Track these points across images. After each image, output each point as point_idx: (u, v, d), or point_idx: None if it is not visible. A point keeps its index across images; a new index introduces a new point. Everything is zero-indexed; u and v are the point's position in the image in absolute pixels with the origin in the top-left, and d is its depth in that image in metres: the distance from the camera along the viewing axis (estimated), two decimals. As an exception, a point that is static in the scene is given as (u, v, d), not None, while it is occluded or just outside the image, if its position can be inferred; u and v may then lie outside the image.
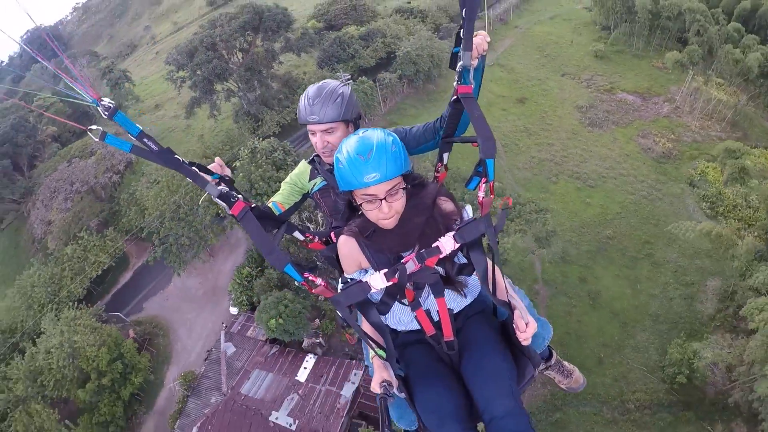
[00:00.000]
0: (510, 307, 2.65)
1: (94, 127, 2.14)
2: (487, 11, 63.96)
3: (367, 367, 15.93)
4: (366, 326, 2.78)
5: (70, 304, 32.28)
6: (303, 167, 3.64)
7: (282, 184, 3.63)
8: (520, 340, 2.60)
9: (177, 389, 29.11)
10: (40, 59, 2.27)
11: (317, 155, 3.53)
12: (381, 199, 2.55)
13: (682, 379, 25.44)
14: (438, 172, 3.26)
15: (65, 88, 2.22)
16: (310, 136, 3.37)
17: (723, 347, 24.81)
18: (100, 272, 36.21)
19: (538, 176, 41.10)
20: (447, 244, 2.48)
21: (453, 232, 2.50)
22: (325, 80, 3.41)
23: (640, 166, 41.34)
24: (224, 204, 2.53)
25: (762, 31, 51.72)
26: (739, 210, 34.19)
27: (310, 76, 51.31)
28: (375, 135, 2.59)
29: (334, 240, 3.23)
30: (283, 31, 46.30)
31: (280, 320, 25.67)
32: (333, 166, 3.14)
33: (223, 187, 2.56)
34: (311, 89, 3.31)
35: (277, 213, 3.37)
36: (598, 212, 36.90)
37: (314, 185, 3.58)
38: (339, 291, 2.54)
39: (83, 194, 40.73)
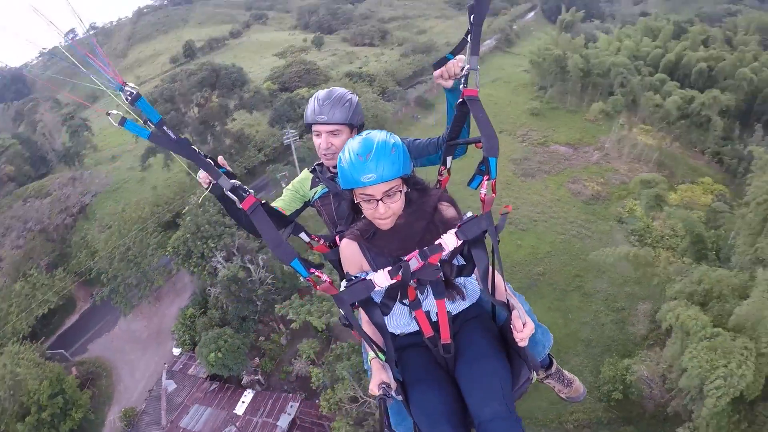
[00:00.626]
0: (508, 307, 2.65)
1: (114, 111, 2.14)
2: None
3: (324, 388, 16.86)
4: (366, 327, 2.81)
5: (14, 339, 32.44)
6: (305, 175, 3.73)
7: (284, 191, 3.69)
8: (516, 340, 2.58)
9: (117, 425, 29.39)
10: (71, 43, 2.30)
11: (319, 164, 3.64)
12: (378, 200, 2.63)
13: (618, 395, 25.62)
14: (441, 175, 3.31)
15: (89, 72, 2.24)
16: (315, 138, 3.47)
17: (653, 360, 25.59)
18: (46, 311, 36.32)
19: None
20: (449, 240, 2.57)
21: (455, 229, 2.60)
22: (334, 87, 3.58)
23: (570, 209, 43.13)
24: (235, 197, 2.56)
25: (686, 79, 55.94)
26: (667, 239, 35.89)
27: (261, 134, 53.86)
28: (377, 136, 2.68)
29: (339, 244, 3.22)
30: (237, 89, 48.79)
31: (219, 354, 26.57)
32: (335, 172, 3.34)
33: (235, 181, 2.59)
34: (321, 92, 3.45)
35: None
36: (529, 252, 38.24)
37: (315, 193, 3.64)
38: (343, 288, 2.58)
39: (36, 233, 41.09)
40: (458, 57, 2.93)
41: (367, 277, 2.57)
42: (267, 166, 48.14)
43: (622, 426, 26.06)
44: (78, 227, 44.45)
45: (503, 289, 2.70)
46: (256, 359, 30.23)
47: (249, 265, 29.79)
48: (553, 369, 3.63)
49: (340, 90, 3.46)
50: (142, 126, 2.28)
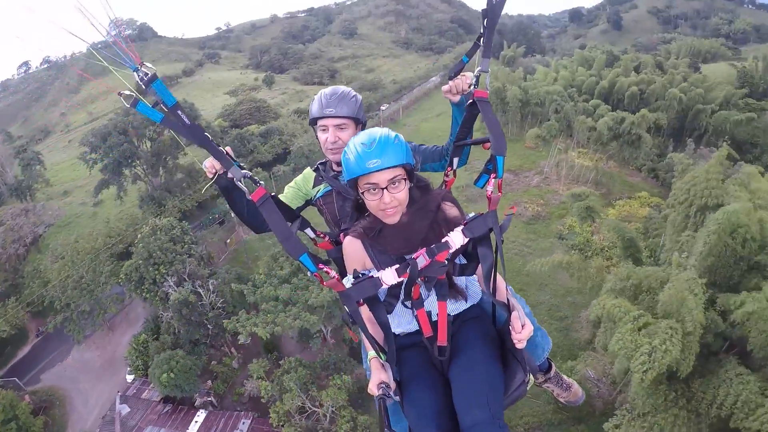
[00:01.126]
0: (508, 308, 2.67)
1: (127, 91, 2.13)
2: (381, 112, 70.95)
3: (273, 401, 18.83)
4: (368, 326, 2.78)
5: (-34, 369, 32.34)
6: (308, 173, 3.75)
7: (286, 188, 3.69)
8: (514, 341, 2.57)
9: None
10: (92, 24, 2.11)
11: (322, 163, 3.68)
12: (382, 189, 2.65)
13: (549, 396, 26.66)
14: (447, 176, 3.34)
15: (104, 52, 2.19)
16: (320, 133, 3.47)
17: (598, 360, 26.39)
18: (-1, 340, 36.26)
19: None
20: (456, 238, 2.58)
21: (461, 227, 2.61)
22: (339, 86, 3.62)
23: (511, 229, 44.09)
24: (245, 188, 2.58)
25: (620, 103, 59.95)
26: (606, 251, 37.19)
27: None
28: (380, 130, 2.73)
29: (343, 241, 3.20)
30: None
31: (172, 375, 27.33)
32: (339, 170, 3.47)
33: (246, 171, 2.60)
34: (326, 90, 3.50)
35: None
36: (473, 272, 39.74)
37: (318, 191, 3.66)
38: (351, 285, 2.56)
39: (-12, 263, 40.94)
40: (466, 74, 3.10)
41: (375, 275, 2.57)
42: (218, 199, 49.38)
43: (573, 425, 26.78)
44: (30, 258, 44.59)
45: (504, 290, 2.77)
46: (209, 382, 30.98)
47: (200, 290, 30.80)
48: (552, 373, 3.68)
49: (344, 87, 3.56)
50: (154, 109, 2.26)
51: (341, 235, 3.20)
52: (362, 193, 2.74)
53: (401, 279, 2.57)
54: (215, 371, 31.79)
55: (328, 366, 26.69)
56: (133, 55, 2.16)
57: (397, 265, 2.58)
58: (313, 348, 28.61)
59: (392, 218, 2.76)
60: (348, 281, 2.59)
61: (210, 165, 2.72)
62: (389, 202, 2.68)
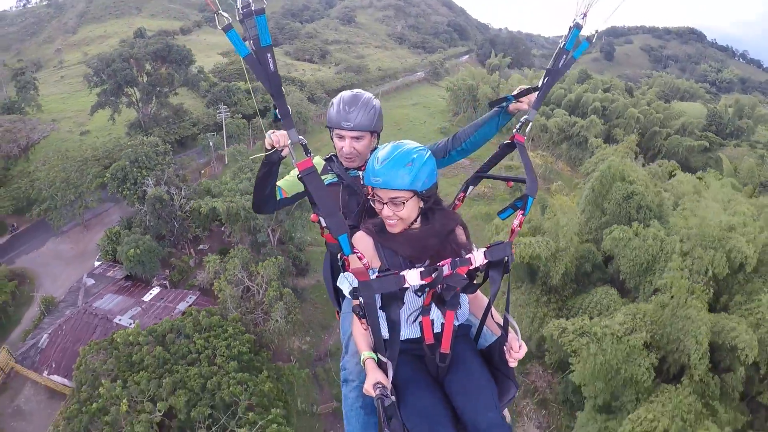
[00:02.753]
0: (506, 328, 2.80)
1: (225, 14, 2.01)
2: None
3: (217, 275, 29.68)
4: (358, 327, 2.88)
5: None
6: (317, 161, 3.65)
7: (291, 172, 3.54)
8: (508, 361, 2.74)
9: (37, 306, 34.43)
10: None
11: (335, 155, 3.71)
12: (383, 203, 2.76)
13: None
14: (459, 201, 3.45)
15: None
16: (337, 140, 3.53)
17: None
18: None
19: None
20: (478, 257, 2.69)
21: (484, 249, 2.74)
22: (358, 90, 3.67)
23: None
24: (293, 155, 2.63)
25: (584, 115, 65.68)
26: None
27: (197, 113, 61.57)
28: (404, 147, 2.78)
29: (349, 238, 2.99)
30: (184, 65, 56.26)
31: (138, 251, 33.33)
32: (350, 168, 3.61)
33: (302, 138, 2.58)
34: (347, 95, 3.54)
35: (278, 197, 3.46)
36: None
37: (324, 180, 3.31)
38: (374, 278, 2.56)
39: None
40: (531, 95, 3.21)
41: (400, 273, 2.57)
42: (198, 136, 55.45)
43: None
44: (20, 163, 49.75)
45: (496, 313, 3.00)
46: (167, 271, 36.90)
47: (173, 191, 36.77)
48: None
49: (365, 95, 3.56)
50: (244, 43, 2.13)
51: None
52: (368, 197, 2.87)
53: (422, 282, 2.60)
54: (174, 264, 37.60)
55: (267, 252, 32.79)
56: None
57: (423, 269, 2.61)
58: (260, 240, 34.80)
59: (393, 229, 2.85)
60: (372, 273, 2.63)
61: (276, 139, 2.76)
62: (387, 215, 2.79)
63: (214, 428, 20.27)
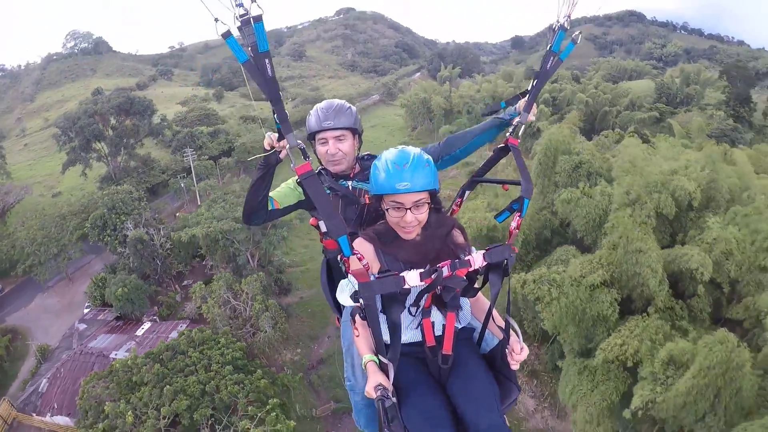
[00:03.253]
0: (507, 331, 2.84)
1: (222, 23, 2.01)
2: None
3: (204, 300, 32.11)
4: (365, 331, 2.86)
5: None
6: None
7: (281, 185, 3.65)
8: (510, 363, 2.79)
9: (33, 356, 35.37)
10: None
11: (323, 168, 3.62)
12: (407, 209, 2.73)
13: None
14: (456, 206, 3.51)
15: None
16: (320, 146, 3.50)
17: None
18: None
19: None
20: (477, 260, 2.72)
21: (483, 251, 2.75)
22: (333, 99, 3.71)
23: None
24: (292, 159, 2.64)
25: (537, 107, 70.03)
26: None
27: (166, 161, 63.76)
28: (413, 150, 2.82)
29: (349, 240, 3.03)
30: (147, 115, 58.63)
31: (126, 289, 34.98)
32: (338, 176, 3.58)
33: (300, 142, 2.64)
34: (322, 104, 3.54)
35: (270, 208, 3.42)
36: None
37: None
38: (374, 279, 2.59)
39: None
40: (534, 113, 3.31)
41: (400, 274, 2.60)
42: (169, 181, 57.55)
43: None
44: (-2, 227, 50.88)
45: (498, 316, 3.00)
46: (155, 307, 38.50)
47: (152, 231, 38.64)
48: None
49: (338, 100, 3.61)
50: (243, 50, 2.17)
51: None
52: (386, 209, 2.82)
53: (422, 283, 2.63)
54: (161, 300, 39.22)
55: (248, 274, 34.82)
56: None
57: (422, 270, 2.63)
58: (239, 262, 36.73)
59: (410, 235, 2.87)
60: (371, 275, 2.63)
61: (276, 138, 2.82)
62: (410, 221, 2.77)
63: (218, 428, 21.97)
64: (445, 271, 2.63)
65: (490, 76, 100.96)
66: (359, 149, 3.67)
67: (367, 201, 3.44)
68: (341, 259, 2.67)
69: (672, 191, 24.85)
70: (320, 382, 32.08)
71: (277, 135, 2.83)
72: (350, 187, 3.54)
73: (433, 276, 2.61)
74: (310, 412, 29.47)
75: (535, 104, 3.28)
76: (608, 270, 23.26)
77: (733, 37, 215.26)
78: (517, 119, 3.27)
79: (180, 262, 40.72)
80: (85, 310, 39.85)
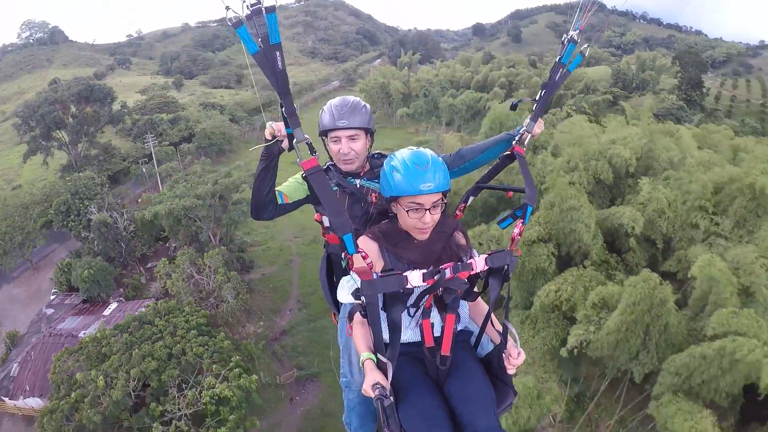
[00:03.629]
0: (505, 335, 2.87)
1: (233, 12, 2.02)
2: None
3: (168, 276, 34.02)
4: (363, 329, 2.89)
5: None
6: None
7: (289, 179, 3.61)
8: (507, 368, 2.82)
9: (2, 344, 35.94)
10: None
11: (332, 164, 3.65)
12: (426, 209, 2.75)
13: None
14: (460, 211, 3.46)
15: None
16: (333, 144, 3.49)
17: None
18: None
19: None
20: (479, 263, 2.76)
21: (485, 255, 2.79)
22: (345, 96, 3.67)
23: None
24: (299, 154, 2.54)
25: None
26: None
27: (126, 148, 64.64)
28: (428, 151, 2.86)
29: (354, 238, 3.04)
30: (107, 103, 59.37)
31: (92, 271, 36.13)
32: (346, 174, 3.57)
33: (308, 137, 2.57)
34: (336, 101, 3.52)
35: (279, 202, 3.39)
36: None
37: None
38: (377, 277, 2.61)
39: None
40: (541, 121, 3.35)
41: (403, 273, 2.63)
42: (130, 168, 58.54)
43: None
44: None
45: (496, 321, 3.05)
46: (121, 289, 39.67)
47: (116, 215, 39.81)
48: None
49: (352, 97, 3.58)
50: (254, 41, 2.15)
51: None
52: (406, 210, 2.79)
53: (424, 284, 2.65)
54: (127, 282, 40.45)
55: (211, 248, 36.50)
56: None
57: (425, 270, 2.65)
58: (202, 239, 38.40)
59: (425, 236, 2.89)
60: (374, 274, 2.64)
61: (278, 128, 2.81)
62: (429, 222, 2.80)
63: (185, 387, 23.58)
64: (448, 273, 2.68)
65: (449, 61, 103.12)
66: (371, 147, 3.68)
67: (374, 200, 3.47)
68: (345, 256, 2.64)
69: (609, 158, 27.18)
70: (283, 352, 33.89)
71: (279, 125, 2.85)
72: (358, 185, 3.55)
73: (435, 277, 2.66)
74: (274, 379, 31.28)
75: (541, 122, 3.34)
76: (545, 228, 25.14)
77: (691, 27, 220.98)
78: (524, 129, 3.30)
79: (144, 244, 42.06)
80: (52, 296, 40.61)
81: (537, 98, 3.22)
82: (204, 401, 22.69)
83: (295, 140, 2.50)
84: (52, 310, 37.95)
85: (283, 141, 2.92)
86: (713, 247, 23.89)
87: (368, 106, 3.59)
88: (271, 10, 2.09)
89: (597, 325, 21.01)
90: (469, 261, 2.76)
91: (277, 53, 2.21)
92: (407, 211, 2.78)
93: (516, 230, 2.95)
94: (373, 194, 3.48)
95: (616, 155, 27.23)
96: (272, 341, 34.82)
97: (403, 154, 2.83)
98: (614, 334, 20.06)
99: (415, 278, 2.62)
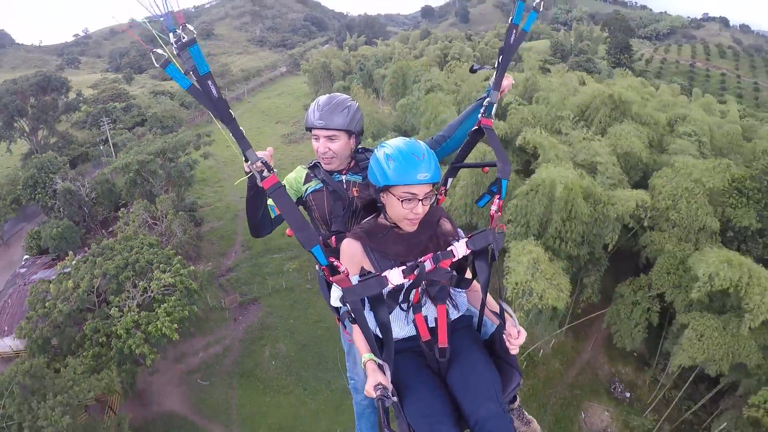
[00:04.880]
0: (503, 315, 2.89)
1: (159, 51, 2.08)
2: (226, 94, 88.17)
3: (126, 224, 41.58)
4: (363, 329, 2.87)
5: None
6: (299, 171, 3.82)
7: None
8: (509, 348, 2.82)
9: None
10: None
11: (318, 161, 3.72)
12: (419, 200, 2.79)
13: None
14: (441, 194, 3.38)
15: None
16: (313, 141, 3.59)
17: None
18: None
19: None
20: (460, 248, 2.83)
21: (466, 239, 2.86)
22: (335, 93, 3.69)
23: None
24: (258, 175, 2.56)
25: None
26: None
27: (83, 136, 71.24)
28: (419, 142, 2.92)
29: (334, 245, 3.38)
30: (64, 92, 67.09)
31: (59, 229, 43.03)
32: (335, 172, 3.63)
33: (262, 156, 2.58)
34: (323, 98, 3.58)
35: (272, 215, 3.43)
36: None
37: (308, 188, 3.72)
38: (357, 282, 2.66)
39: None
40: (509, 76, 3.27)
41: (382, 274, 2.69)
42: (88, 151, 65.69)
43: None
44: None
45: (492, 301, 3.08)
46: (86, 248, 46.06)
47: (78, 184, 47.08)
48: (516, 405, 3.62)
49: (340, 96, 3.61)
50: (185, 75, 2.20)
51: (333, 238, 3.41)
52: (400, 200, 2.79)
53: (406, 280, 2.73)
54: (90, 243, 45.95)
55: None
56: (178, 15, 2.10)
57: (404, 267, 2.73)
58: (155, 194, 45.67)
59: (413, 227, 2.92)
60: (354, 279, 2.72)
61: (255, 166, 2.59)
62: (421, 213, 2.83)
63: (138, 282, 30.56)
64: (428, 265, 2.76)
65: (390, 40, 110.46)
66: (356, 147, 3.72)
67: (355, 194, 3.53)
68: (319, 267, 2.75)
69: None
70: (228, 284, 41.86)
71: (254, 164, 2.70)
72: (343, 182, 3.61)
73: (415, 272, 2.73)
74: (219, 303, 39.02)
75: (510, 76, 3.28)
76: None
77: (636, 2, 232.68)
78: (487, 99, 3.26)
79: (105, 209, 49.21)
80: (23, 261, 46.07)
81: (496, 65, 3.17)
82: (152, 289, 29.83)
83: (248, 162, 2.51)
84: (25, 269, 43.66)
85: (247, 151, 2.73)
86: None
87: (355, 105, 3.64)
88: (192, 42, 2.14)
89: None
90: (449, 248, 2.85)
91: (209, 82, 2.26)
92: (401, 201, 2.79)
93: (494, 207, 2.99)
94: (354, 189, 3.54)
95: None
96: (219, 277, 42.49)
97: (397, 143, 2.86)
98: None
99: (395, 277, 2.72)
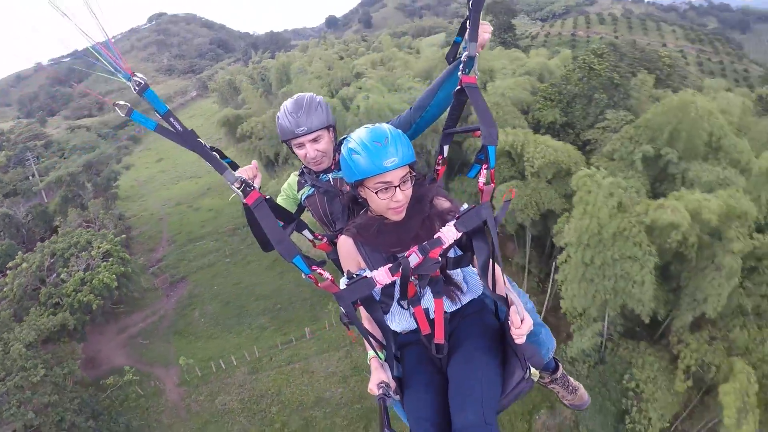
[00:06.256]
0: (507, 302, 2.67)
1: (121, 102, 2.20)
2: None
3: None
4: (367, 325, 2.92)
5: None
6: (292, 179, 3.89)
7: (278, 197, 3.83)
8: (513, 337, 2.61)
9: None
10: (85, 34, 2.03)
11: (305, 167, 3.73)
12: (395, 186, 2.70)
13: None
14: (438, 164, 3.34)
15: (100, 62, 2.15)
16: (297, 150, 3.55)
17: None
18: None
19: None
20: (449, 233, 2.67)
21: (454, 221, 2.69)
22: (297, 94, 3.65)
23: None
24: (240, 192, 2.58)
25: None
26: None
27: (9, 176, 77.66)
28: (385, 125, 2.83)
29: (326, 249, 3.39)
30: None
31: (3, 248, 50.50)
32: (321, 172, 3.63)
33: (241, 175, 2.59)
34: (288, 104, 3.53)
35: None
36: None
37: (302, 194, 3.77)
38: (344, 286, 2.68)
39: None
40: (485, 24, 2.85)
41: (369, 275, 2.68)
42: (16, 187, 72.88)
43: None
44: None
45: (503, 283, 2.74)
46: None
47: (15, 207, 55.13)
48: (559, 374, 3.67)
49: (304, 95, 3.56)
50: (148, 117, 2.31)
51: (339, 235, 3.21)
52: (375, 192, 2.73)
53: (394, 278, 2.68)
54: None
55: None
56: (126, 67, 2.21)
57: (390, 265, 2.67)
58: (86, 204, 54.31)
59: (400, 215, 2.83)
60: (342, 282, 2.73)
61: (239, 185, 2.60)
62: (401, 199, 2.74)
63: (81, 254, 39.76)
64: (414, 259, 2.66)
65: (290, 52, 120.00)
66: (335, 139, 3.70)
67: (348, 189, 3.31)
68: (308, 277, 2.64)
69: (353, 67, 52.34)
70: (159, 271, 51.41)
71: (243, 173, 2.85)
72: (330, 180, 3.62)
73: (400, 269, 2.66)
74: (152, 285, 48.51)
75: (487, 24, 2.87)
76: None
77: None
78: (465, 54, 2.84)
79: (41, 229, 56.73)
80: None
81: (467, 21, 2.80)
82: (93, 257, 39.34)
83: (229, 182, 2.54)
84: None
85: (224, 172, 2.72)
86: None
87: (320, 97, 3.60)
88: (144, 88, 2.19)
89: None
90: (436, 236, 2.70)
91: (171, 119, 2.32)
92: (376, 193, 2.73)
93: (482, 179, 2.76)
94: (346, 184, 3.28)
95: (359, 64, 50.53)
96: (150, 267, 51.95)
97: (360, 133, 2.79)
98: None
99: (381, 276, 2.68)
